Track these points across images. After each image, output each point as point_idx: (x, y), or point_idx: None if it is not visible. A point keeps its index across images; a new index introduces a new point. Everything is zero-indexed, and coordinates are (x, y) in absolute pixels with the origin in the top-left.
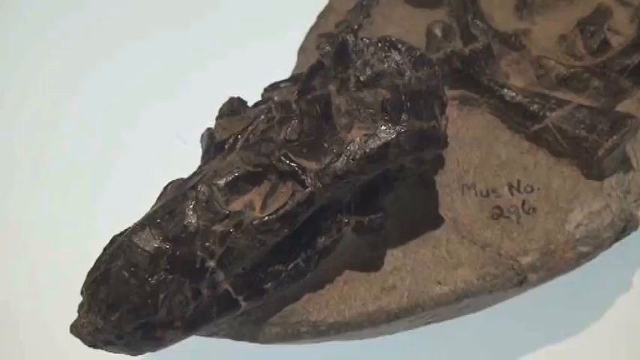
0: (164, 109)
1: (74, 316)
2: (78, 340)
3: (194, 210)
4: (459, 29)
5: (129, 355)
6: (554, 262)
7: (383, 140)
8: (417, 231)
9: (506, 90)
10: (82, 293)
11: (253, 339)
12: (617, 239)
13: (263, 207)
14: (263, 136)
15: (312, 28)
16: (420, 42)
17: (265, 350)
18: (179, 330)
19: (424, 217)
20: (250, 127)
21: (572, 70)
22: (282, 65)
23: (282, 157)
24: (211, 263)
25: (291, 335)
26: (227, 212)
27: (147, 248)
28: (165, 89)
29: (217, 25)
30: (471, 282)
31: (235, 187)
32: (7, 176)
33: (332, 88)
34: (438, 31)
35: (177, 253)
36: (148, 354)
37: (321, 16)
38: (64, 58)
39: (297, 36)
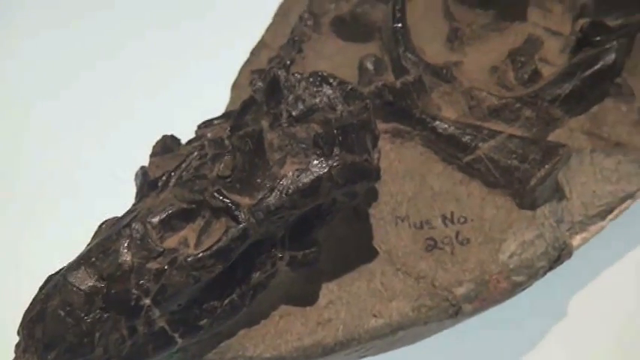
0: (100, 148)
1: (11, 355)
2: None
3: (128, 248)
4: (391, 62)
5: None
6: (489, 292)
7: (315, 174)
8: (352, 264)
9: (438, 122)
10: (18, 333)
11: None
12: (551, 268)
13: (197, 243)
14: (196, 173)
15: (245, 64)
16: (352, 76)
17: None
18: None
19: (358, 250)
20: (183, 165)
21: (503, 101)
22: (216, 102)
23: (215, 194)
24: (146, 301)
25: None
26: (161, 249)
27: (82, 287)
28: (99, 129)
29: (148, 63)
30: (406, 314)
31: (169, 225)
32: None
33: (264, 123)
34: (369, 65)
35: (113, 291)
36: None
37: (254, 52)
38: None
39: (229, 72)
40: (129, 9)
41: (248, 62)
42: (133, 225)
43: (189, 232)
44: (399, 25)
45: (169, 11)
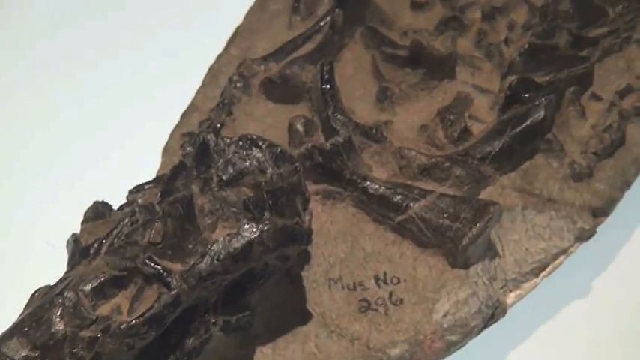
0: (32, 215)
1: None
2: None
3: (61, 316)
4: (321, 123)
5: None
6: (423, 353)
7: (246, 239)
8: (286, 327)
9: (368, 182)
10: None
11: None
12: (485, 326)
13: (130, 310)
14: (127, 239)
15: (176, 128)
16: (283, 138)
17: None
18: None
19: (292, 313)
20: (115, 231)
21: (433, 160)
22: (147, 166)
23: (147, 260)
24: None
25: None
26: (94, 317)
27: (15, 357)
28: (32, 196)
29: (78, 129)
30: None
31: (102, 292)
32: None
33: (195, 188)
34: (299, 127)
35: None
36: None
37: (184, 116)
38: None
39: (160, 136)
40: (55, 84)
41: (179, 126)
42: (66, 293)
43: (122, 299)
44: (328, 86)
45: (100, 78)
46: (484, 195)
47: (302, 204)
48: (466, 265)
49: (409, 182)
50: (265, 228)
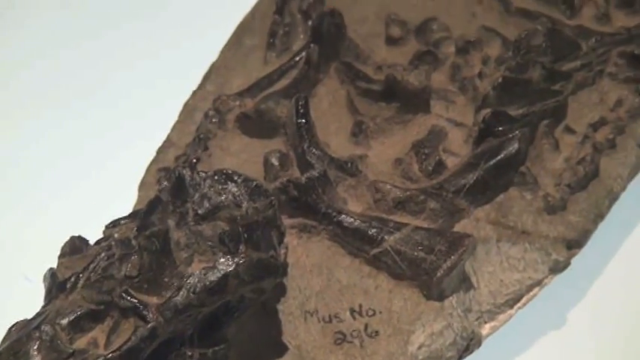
0: (9, 250)
1: None
2: None
3: (38, 350)
4: (296, 157)
5: None
6: None
7: (222, 272)
8: None
9: (343, 216)
10: None
11: None
12: (460, 358)
13: (107, 344)
14: (104, 273)
15: (152, 163)
16: (258, 172)
17: None
18: None
19: (268, 346)
20: (92, 265)
21: (408, 193)
22: (123, 201)
23: (123, 294)
24: None
25: None
26: (71, 351)
27: None
28: (7, 230)
29: (55, 163)
30: None
31: (78, 326)
32: None
33: (171, 222)
34: (274, 161)
35: None
36: None
37: (161, 151)
38: None
39: (137, 171)
40: (29, 117)
41: (155, 161)
42: (43, 327)
43: (99, 332)
44: (303, 120)
45: (76, 113)
46: (458, 227)
47: (277, 237)
48: (441, 297)
49: (384, 215)
50: (241, 261)
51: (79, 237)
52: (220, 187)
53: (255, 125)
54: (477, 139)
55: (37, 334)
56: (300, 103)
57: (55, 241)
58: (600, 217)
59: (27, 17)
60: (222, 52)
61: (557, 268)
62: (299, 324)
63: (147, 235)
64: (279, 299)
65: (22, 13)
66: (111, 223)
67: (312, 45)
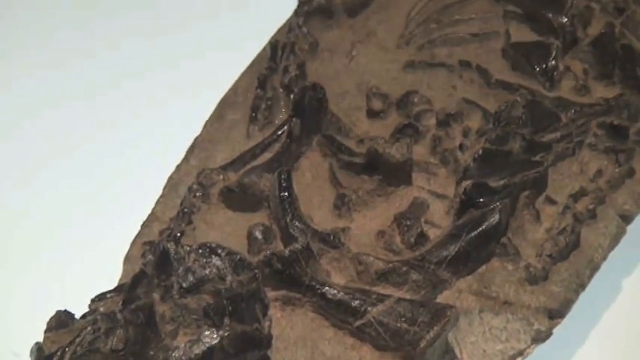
0: None
1: None
2: None
3: None
4: (279, 231)
5: None
6: None
7: (207, 345)
8: None
9: (327, 288)
10: None
11: None
12: None
13: None
14: (90, 347)
15: (137, 237)
16: (242, 245)
17: None
18: None
19: None
20: (78, 339)
21: (390, 265)
22: (109, 275)
23: None
24: None
25: None
26: None
27: None
28: None
29: (37, 238)
30: None
31: None
32: None
33: (156, 296)
34: (258, 234)
35: None
36: None
37: (145, 225)
38: None
39: (122, 245)
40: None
41: (139, 235)
42: None
43: None
44: (286, 194)
45: (63, 188)
46: (441, 298)
47: (261, 310)
48: None
49: (367, 287)
50: (225, 334)
51: (65, 311)
52: (204, 260)
53: (239, 199)
54: (458, 211)
55: None
56: (282, 176)
57: (42, 316)
58: (582, 286)
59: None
60: (206, 126)
61: (540, 337)
62: None
63: (132, 309)
64: None
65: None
66: (96, 296)
67: (294, 119)
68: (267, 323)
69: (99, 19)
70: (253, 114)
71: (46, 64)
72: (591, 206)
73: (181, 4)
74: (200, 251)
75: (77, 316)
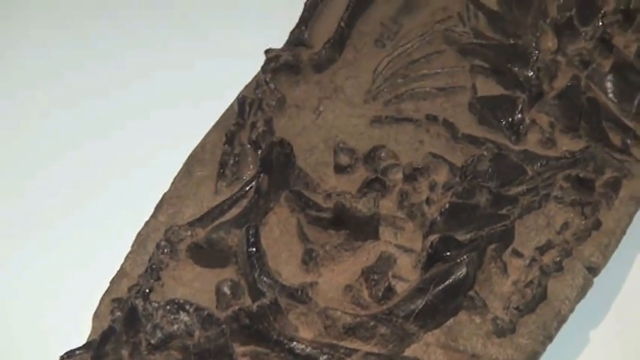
0: None
1: None
2: None
3: None
4: (247, 286)
5: None
6: None
7: None
8: None
9: (295, 343)
10: None
11: None
12: None
13: None
14: None
15: (106, 294)
16: (211, 300)
17: None
18: None
19: None
20: None
21: (358, 319)
22: (78, 332)
23: None
24: None
25: None
26: None
27: None
28: None
29: (14, 298)
30: None
31: None
32: None
33: (124, 352)
34: (226, 289)
35: None
36: None
37: (114, 281)
38: None
39: (91, 301)
40: None
41: (108, 291)
42: None
43: None
44: (254, 249)
45: (34, 248)
46: (409, 352)
47: None
48: None
49: (335, 341)
50: None
51: None
52: (172, 316)
53: (207, 255)
54: (425, 265)
55: None
56: (250, 232)
57: None
58: (549, 338)
59: None
60: (174, 182)
61: None
62: None
63: None
64: None
65: None
66: (66, 354)
67: (262, 174)
68: None
69: (63, 77)
70: (221, 170)
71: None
72: (558, 259)
73: (153, 61)
74: (168, 307)
75: None
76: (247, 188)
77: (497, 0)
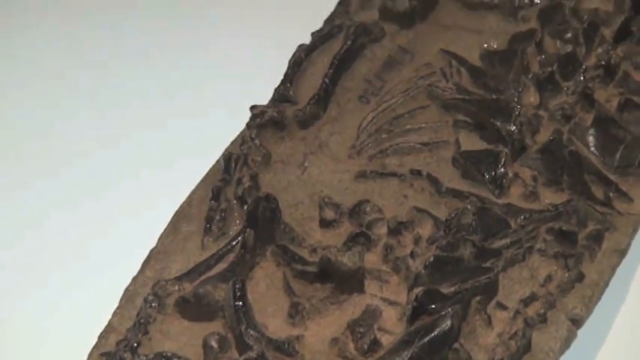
0: None
1: None
2: None
3: None
4: (234, 339)
5: None
6: None
7: None
8: None
9: None
10: None
11: None
12: None
13: None
14: None
15: (94, 349)
16: (198, 354)
17: None
18: None
19: None
20: None
21: None
22: None
23: None
24: None
25: None
26: None
27: None
28: None
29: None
30: None
31: None
32: None
33: None
34: (214, 343)
35: None
36: None
37: (102, 336)
38: None
39: (80, 356)
40: None
41: (96, 346)
42: None
43: None
44: (240, 303)
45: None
46: None
47: None
48: None
49: None
50: None
51: None
52: None
53: (194, 309)
54: (410, 317)
55: None
56: (237, 286)
57: None
58: None
59: None
60: (161, 238)
61: None
62: None
63: None
64: None
65: None
66: None
67: (248, 229)
68: None
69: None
70: (208, 225)
71: None
72: (542, 311)
73: (140, 118)
74: None
75: None
76: (234, 243)
77: (480, 56)
